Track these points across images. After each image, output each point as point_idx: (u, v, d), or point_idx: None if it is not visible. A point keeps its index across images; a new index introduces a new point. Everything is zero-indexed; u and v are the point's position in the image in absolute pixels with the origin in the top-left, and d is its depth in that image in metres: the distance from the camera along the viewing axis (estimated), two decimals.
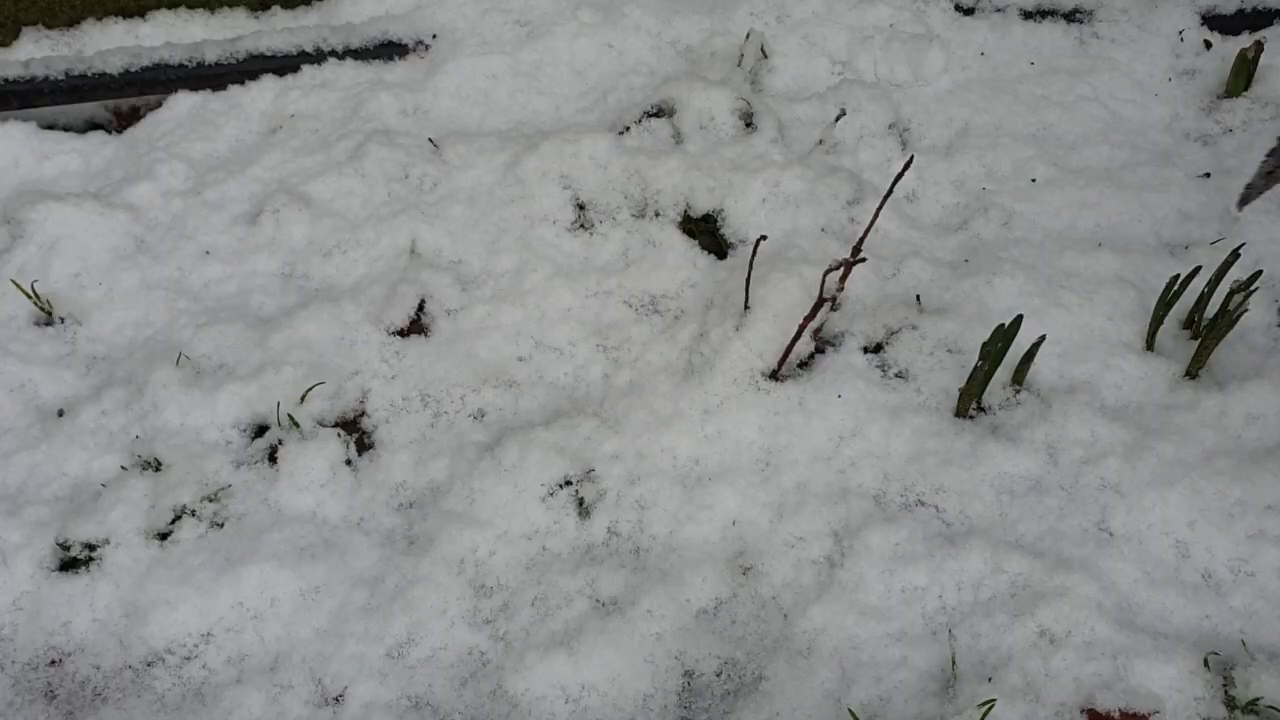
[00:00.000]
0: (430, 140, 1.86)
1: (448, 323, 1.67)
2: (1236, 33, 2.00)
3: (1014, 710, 1.32)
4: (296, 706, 1.36)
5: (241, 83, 1.91)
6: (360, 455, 1.56)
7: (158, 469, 1.52)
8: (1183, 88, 1.95)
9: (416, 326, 1.67)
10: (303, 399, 1.58)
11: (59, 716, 1.35)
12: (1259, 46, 1.89)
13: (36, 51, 1.92)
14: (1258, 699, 1.33)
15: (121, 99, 1.90)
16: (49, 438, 1.55)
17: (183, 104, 1.89)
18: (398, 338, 1.65)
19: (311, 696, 1.37)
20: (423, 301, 1.68)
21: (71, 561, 1.46)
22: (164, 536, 1.48)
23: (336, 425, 1.58)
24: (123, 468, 1.52)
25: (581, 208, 1.78)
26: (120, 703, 1.36)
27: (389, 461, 1.54)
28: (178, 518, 1.49)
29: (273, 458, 1.54)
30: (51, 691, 1.37)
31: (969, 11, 2.01)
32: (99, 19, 1.95)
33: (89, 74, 1.86)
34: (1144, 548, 1.46)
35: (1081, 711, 1.32)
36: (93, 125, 1.91)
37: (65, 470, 1.53)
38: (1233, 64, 1.91)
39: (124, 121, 1.91)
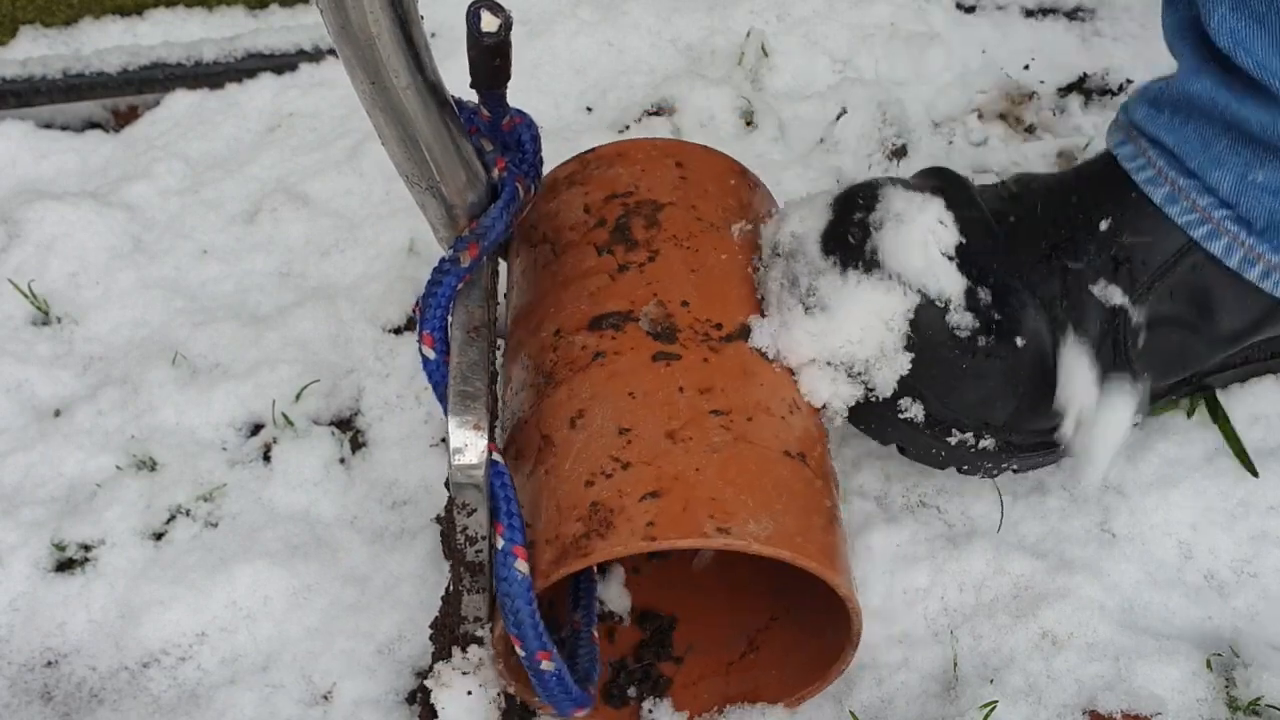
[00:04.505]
0: None
1: None
2: None
3: (1016, 712, 1.31)
4: (288, 706, 1.34)
5: (240, 81, 1.90)
6: (354, 453, 1.55)
7: (153, 469, 1.52)
8: None
9: (412, 324, 1.66)
10: (297, 397, 1.57)
11: (55, 718, 1.34)
12: None
13: (34, 50, 1.91)
14: (1258, 699, 1.32)
15: (119, 98, 1.89)
16: (45, 438, 1.54)
17: (181, 103, 1.89)
18: (393, 335, 1.64)
19: (302, 695, 1.36)
20: (419, 299, 1.67)
21: (67, 562, 1.44)
22: (159, 536, 1.47)
23: (331, 423, 1.57)
24: (118, 467, 1.52)
25: None
26: (117, 704, 1.35)
27: (382, 459, 1.53)
28: (173, 517, 1.48)
29: (267, 456, 1.53)
30: (48, 693, 1.36)
31: (970, 10, 2.00)
32: (97, 17, 1.95)
33: (87, 73, 1.85)
34: (1146, 548, 1.45)
35: (1083, 713, 1.31)
36: (90, 124, 1.91)
37: (61, 470, 1.52)
38: None
39: (122, 120, 1.90)
